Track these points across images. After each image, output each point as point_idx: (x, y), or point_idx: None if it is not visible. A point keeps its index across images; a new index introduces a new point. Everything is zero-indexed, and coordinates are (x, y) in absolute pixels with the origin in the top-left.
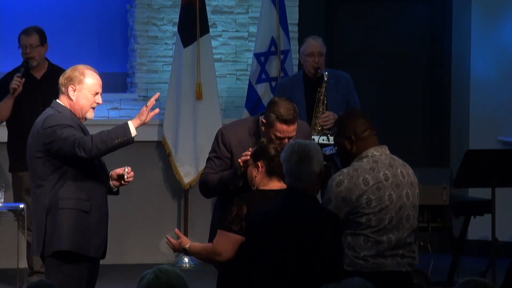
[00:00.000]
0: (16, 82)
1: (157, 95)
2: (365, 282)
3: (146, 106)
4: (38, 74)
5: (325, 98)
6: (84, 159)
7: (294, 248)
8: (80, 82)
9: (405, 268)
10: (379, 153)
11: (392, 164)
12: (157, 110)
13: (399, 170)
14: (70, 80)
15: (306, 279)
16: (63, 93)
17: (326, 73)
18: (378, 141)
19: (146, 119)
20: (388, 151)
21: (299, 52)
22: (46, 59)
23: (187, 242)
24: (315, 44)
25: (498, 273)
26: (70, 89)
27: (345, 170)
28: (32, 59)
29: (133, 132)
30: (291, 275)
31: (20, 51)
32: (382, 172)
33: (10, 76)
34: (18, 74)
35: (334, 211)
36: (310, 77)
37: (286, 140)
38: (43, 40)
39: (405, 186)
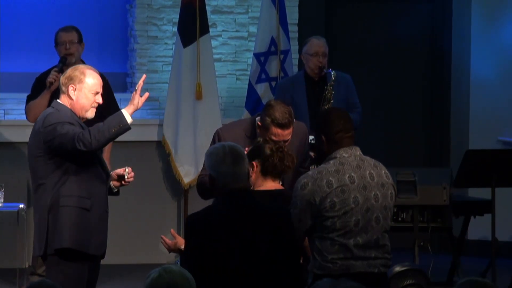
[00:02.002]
0: (53, 76)
1: (143, 76)
2: (356, 284)
3: (136, 91)
4: None
5: (332, 97)
6: (85, 153)
7: (249, 250)
8: (81, 81)
9: (377, 269)
10: (347, 155)
11: (360, 166)
12: (147, 94)
13: (368, 172)
14: (71, 80)
15: (264, 280)
16: (63, 92)
17: (333, 72)
18: (354, 143)
19: (138, 103)
20: (358, 152)
21: (299, 52)
22: (82, 60)
23: (182, 243)
24: (319, 44)
25: (498, 273)
26: (70, 88)
27: (310, 172)
28: (71, 56)
29: (129, 119)
30: (248, 278)
31: (58, 49)
32: (347, 175)
33: (45, 75)
34: (56, 69)
35: (300, 214)
36: (311, 76)
37: (282, 143)
38: (80, 38)
39: (373, 187)
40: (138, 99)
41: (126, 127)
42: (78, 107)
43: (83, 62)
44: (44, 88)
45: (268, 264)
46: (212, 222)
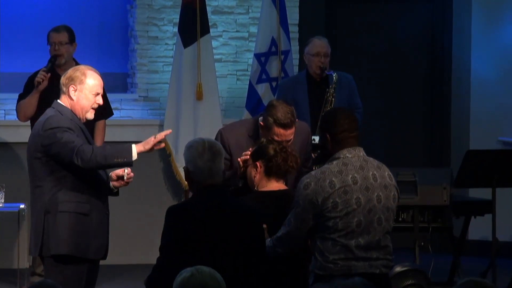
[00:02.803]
0: (41, 76)
1: (169, 131)
2: (365, 282)
3: (155, 137)
4: None
5: (333, 99)
6: (80, 168)
7: (224, 244)
8: (81, 82)
9: (378, 270)
10: (351, 155)
11: (363, 167)
12: (162, 145)
13: (371, 173)
14: (72, 80)
15: (235, 274)
16: (64, 93)
17: (335, 74)
18: (358, 143)
19: (149, 148)
20: (362, 153)
21: (299, 52)
22: (74, 59)
23: None
24: (321, 44)
25: (498, 273)
26: (71, 89)
27: (313, 172)
28: (60, 56)
29: (134, 156)
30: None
31: (49, 49)
32: (350, 175)
33: (36, 73)
34: (44, 69)
35: (302, 214)
36: (313, 77)
37: (284, 143)
38: (72, 39)
39: (376, 189)
40: (152, 145)
41: (128, 163)
42: (78, 108)
43: (76, 62)
44: (33, 88)
45: (240, 258)
46: (192, 215)
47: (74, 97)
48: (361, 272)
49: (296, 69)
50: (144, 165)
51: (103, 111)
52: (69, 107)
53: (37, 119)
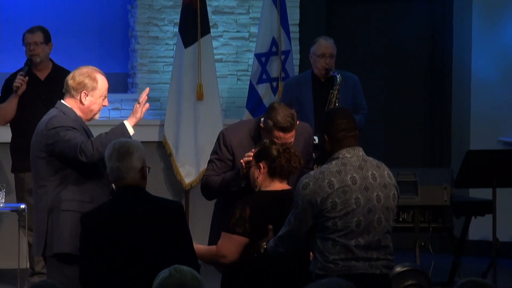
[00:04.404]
0: (19, 81)
1: (147, 90)
2: (345, 282)
3: (139, 103)
4: (42, 75)
5: (337, 101)
6: (86, 163)
7: (139, 244)
8: (94, 88)
9: (379, 270)
10: (350, 155)
11: (362, 167)
12: (147, 105)
13: (370, 173)
14: (84, 86)
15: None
16: (72, 96)
17: (339, 75)
18: (357, 143)
19: (140, 115)
20: (361, 153)
21: (300, 52)
22: (51, 59)
23: None
24: (327, 45)
25: (499, 273)
26: (83, 94)
27: (312, 172)
28: (35, 56)
29: (131, 131)
30: (141, 270)
31: (24, 50)
32: (349, 175)
33: (14, 76)
34: (22, 73)
35: (301, 214)
36: (319, 77)
37: (288, 144)
38: (47, 39)
39: (375, 188)
40: (140, 112)
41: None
42: (87, 111)
43: (53, 62)
44: (11, 91)
45: (160, 257)
46: (103, 219)
47: (85, 102)
48: (361, 272)
49: (296, 69)
50: None
51: None
52: (75, 108)
53: (17, 121)
